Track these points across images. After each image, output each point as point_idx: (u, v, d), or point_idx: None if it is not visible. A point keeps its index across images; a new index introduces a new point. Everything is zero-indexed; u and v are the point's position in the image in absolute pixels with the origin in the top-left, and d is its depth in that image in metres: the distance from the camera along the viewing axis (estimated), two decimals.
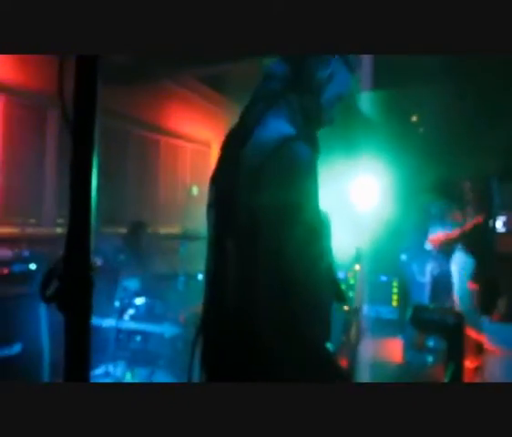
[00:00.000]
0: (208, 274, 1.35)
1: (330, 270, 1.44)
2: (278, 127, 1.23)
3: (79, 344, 0.81)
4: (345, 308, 1.48)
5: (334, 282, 1.45)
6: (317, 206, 1.20)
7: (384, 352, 5.25)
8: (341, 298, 1.50)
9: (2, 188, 4.45)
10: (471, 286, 4.52)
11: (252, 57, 1.33)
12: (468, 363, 2.90)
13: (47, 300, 0.80)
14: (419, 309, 2.12)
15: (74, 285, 0.79)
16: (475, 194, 4.59)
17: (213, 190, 1.37)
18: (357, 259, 2.01)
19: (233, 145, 1.34)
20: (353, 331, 1.56)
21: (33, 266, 3.77)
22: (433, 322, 2.09)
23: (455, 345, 2.11)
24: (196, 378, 1.34)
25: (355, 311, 1.67)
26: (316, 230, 1.19)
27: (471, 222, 4.56)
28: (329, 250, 1.38)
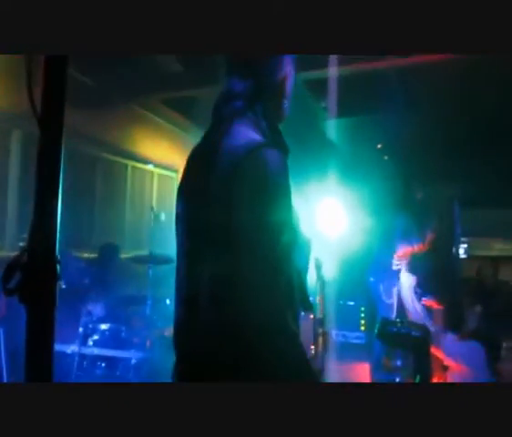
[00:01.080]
0: (180, 287, 1.33)
1: (299, 278, 1.45)
2: (246, 135, 1.24)
3: (42, 337, 0.78)
4: (311, 317, 1.49)
5: (302, 290, 1.46)
6: (289, 209, 1.21)
7: (351, 376, 5.25)
8: (307, 306, 1.51)
9: None
10: (433, 305, 4.62)
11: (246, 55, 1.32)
12: (435, 380, 2.95)
13: (9, 293, 0.77)
14: (386, 323, 2.14)
15: (37, 276, 0.77)
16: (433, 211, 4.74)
17: (182, 202, 1.36)
18: (318, 272, 2.03)
19: (201, 157, 1.34)
20: (321, 341, 1.57)
21: None
22: (399, 335, 2.12)
23: (422, 358, 2.14)
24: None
25: (321, 321, 1.68)
26: (291, 235, 1.20)
27: (429, 238, 4.69)
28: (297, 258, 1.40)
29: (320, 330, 1.61)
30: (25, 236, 0.80)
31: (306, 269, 1.46)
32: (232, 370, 1.15)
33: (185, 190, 1.38)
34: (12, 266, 0.78)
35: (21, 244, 0.81)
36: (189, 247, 1.30)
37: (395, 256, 4.67)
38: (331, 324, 6.15)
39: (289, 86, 1.41)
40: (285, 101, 1.41)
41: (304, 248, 1.44)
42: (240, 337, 1.12)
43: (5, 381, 3.55)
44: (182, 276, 1.32)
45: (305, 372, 1.17)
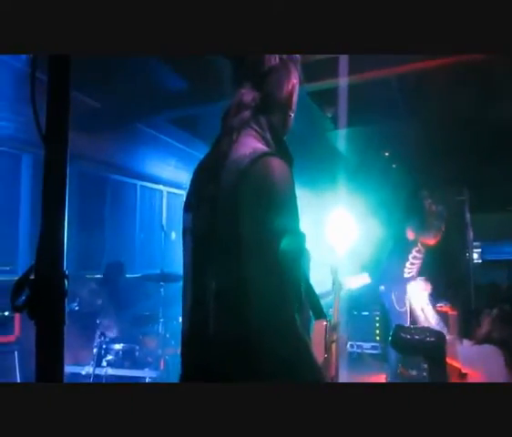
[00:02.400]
0: (187, 300, 1.33)
1: (308, 286, 1.45)
2: (250, 145, 1.25)
3: (51, 352, 0.78)
4: (324, 323, 1.48)
5: (313, 297, 1.46)
6: (296, 217, 1.21)
7: None
8: (319, 314, 1.50)
9: None
10: (448, 311, 4.57)
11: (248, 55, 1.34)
12: None
13: (17, 309, 0.78)
14: (400, 330, 2.12)
15: (45, 292, 0.78)
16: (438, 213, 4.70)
17: (189, 215, 1.37)
18: (335, 285, 2.02)
19: (207, 169, 1.35)
20: (334, 348, 1.55)
21: (7, 313, 3.67)
22: (413, 342, 2.09)
23: (437, 364, 2.10)
24: None
25: (334, 327, 1.66)
26: (298, 242, 1.20)
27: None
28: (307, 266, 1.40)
29: (334, 337, 1.60)
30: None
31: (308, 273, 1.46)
32: (241, 381, 1.15)
33: (192, 203, 1.38)
34: (20, 283, 0.79)
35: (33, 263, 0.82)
36: (196, 258, 1.30)
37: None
38: (346, 334, 6.11)
39: (295, 98, 1.43)
40: (291, 113, 1.43)
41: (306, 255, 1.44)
42: (249, 347, 1.12)
43: None
44: (189, 288, 1.32)
45: (317, 380, 1.16)
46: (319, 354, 1.42)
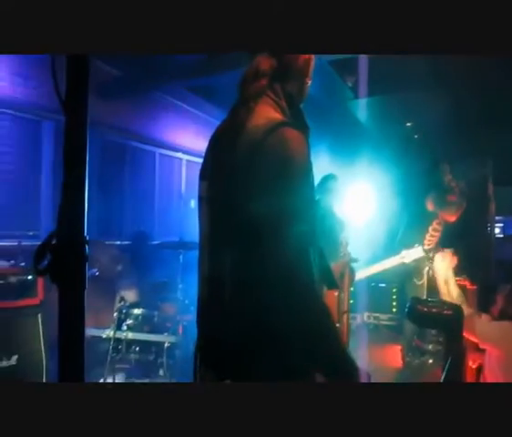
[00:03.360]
0: (202, 270, 1.34)
1: (321, 256, 1.45)
2: (266, 115, 1.24)
3: (73, 315, 0.81)
4: (335, 294, 1.49)
5: (325, 268, 1.45)
6: (311, 188, 1.20)
7: (384, 358, 5.23)
8: (331, 284, 1.50)
9: (0, 202, 4.47)
10: (467, 285, 4.52)
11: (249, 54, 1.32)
12: (470, 363, 2.88)
13: (40, 273, 0.80)
14: (417, 302, 2.11)
15: (66, 257, 0.80)
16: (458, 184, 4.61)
17: (205, 185, 1.36)
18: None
19: (222, 139, 1.35)
20: (345, 319, 1.57)
21: (30, 277, 3.76)
22: (430, 315, 2.08)
23: (454, 338, 2.10)
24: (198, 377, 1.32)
25: (344, 300, 1.67)
26: (311, 215, 1.19)
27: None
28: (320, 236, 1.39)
29: (344, 308, 1.60)
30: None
31: (334, 245, 1.46)
32: (252, 357, 1.16)
33: (208, 171, 1.37)
34: (42, 248, 0.81)
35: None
36: (211, 229, 1.30)
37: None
38: (361, 304, 6.12)
39: (312, 66, 1.40)
40: (307, 80, 1.40)
41: (334, 227, 1.44)
42: (264, 319, 1.12)
43: (44, 364, 3.69)
44: (205, 258, 1.32)
45: (335, 347, 1.17)
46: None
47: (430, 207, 4.59)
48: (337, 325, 1.48)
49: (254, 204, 1.14)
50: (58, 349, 0.83)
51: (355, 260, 2.01)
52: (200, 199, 1.37)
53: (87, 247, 0.82)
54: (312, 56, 1.40)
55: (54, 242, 0.81)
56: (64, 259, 0.80)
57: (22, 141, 4.77)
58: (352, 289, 2.05)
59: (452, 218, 4.59)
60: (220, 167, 1.30)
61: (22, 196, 4.69)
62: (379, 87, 5.48)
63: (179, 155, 7.07)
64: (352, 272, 1.93)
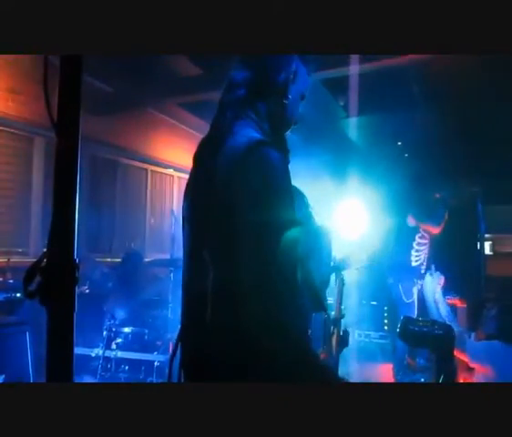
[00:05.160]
0: (185, 287, 1.33)
1: (308, 277, 1.44)
2: (246, 134, 1.24)
3: (62, 338, 0.80)
4: (324, 316, 1.48)
5: (312, 289, 1.45)
6: (291, 206, 1.20)
7: (375, 376, 5.21)
8: (319, 306, 1.49)
9: None
10: (457, 304, 4.55)
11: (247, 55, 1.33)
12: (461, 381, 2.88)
13: (29, 295, 0.79)
14: (408, 322, 2.11)
15: (56, 279, 0.79)
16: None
17: (187, 204, 1.36)
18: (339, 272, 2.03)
19: (203, 157, 1.34)
20: (334, 340, 1.56)
21: (18, 295, 3.72)
22: (421, 334, 2.09)
23: (445, 357, 2.10)
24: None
25: (336, 321, 1.66)
26: (290, 234, 1.18)
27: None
28: (307, 258, 1.39)
29: (333, 330, 1.60)
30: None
31: (325, 270, 1.45)
32: (237, 372, 1.14)
33: (189, 191, 1.37)
34: (32, 269, 0.80)
35: (45, 250, 0.82)
36: (192, 248, 1.30)
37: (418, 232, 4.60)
38: (353, 324, 6.10)
39: (296, 89, 1.39)
40: (291, 104, 1.38)
41: (323, 247, 1.43)
42: (244, 338, 1.11)
43: (32, 382, 3.62)
44: (186, 277, 1.32)
45: (313, 371, 1.16)
46: (317, 346, 1.42)
47: (411, 221, 4.64)
48: (324, 348, 1.47)
49: (233, 223, 1.14)
50: (47, 370, 0.82)
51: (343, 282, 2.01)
52: (183, 218, 1.37)
53: (77, 269, 0.81)
54: (295, 77, 1.38)
55: (44, 264, 0.80)
56: (54, 282, 0.79)
57: (12, 157, 4.75)
58: (343, 307, 2.05)
59: (435, 231, 4.63)
60: (200, 184, 1.31)
61: (11, 212, 4.65)
62: (370, 106, 5.53)
63: (171, 171, 7.07)
64: (342, 283, 1.93)
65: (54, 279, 0.79)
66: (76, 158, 0.83)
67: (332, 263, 2.05)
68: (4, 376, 3.45)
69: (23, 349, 3.65)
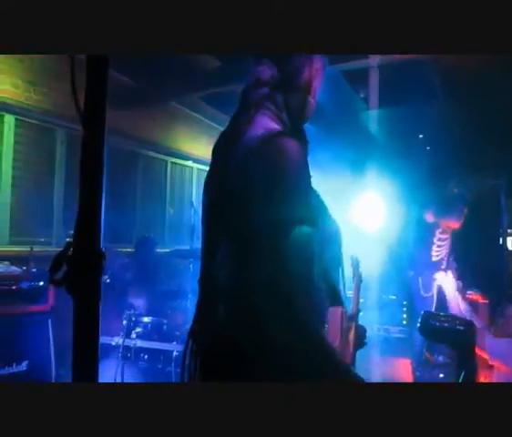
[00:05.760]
0: (201, 281, 1.34)
1: (325, 272, 1.43)
2: (264, 125, 1.23)
3: (88, 328, 0.81)
4: (340, 310, 1.47)
5: (329, 283, 1.44)
6: (308, 199, 1.19)
7: (393, 372, 5.17)
8: (335, 300, 1.48)
9: (13, 208, 4.52)
10: (478, 300, 4.48)
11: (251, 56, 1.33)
12: (482, 379, 2.84)
13: (56, 283, 0.81)
14: (429, 317, 2.09)
15: (82, 268, 0.80)
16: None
17: (206, 199, 1.36)
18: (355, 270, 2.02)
19: (222, 150, 1.34)
20: (351, 336, 1.55)
21: (41, 283, 3.79)
22: (442, 330, 2.06)
23: (466, 353, 2.08)
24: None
25: (353, 316, 1.65)
26: (308, 226, 1.17)
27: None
28: (323, 252, 1.38)
29: (350, 325, 1.59)
30: (71, 232, 0.83)
31: (337, 261, 1.44)
32: (252, 368, 1.14)
33: (208, 184, 1.37)
34: (59, 258, 0.81)
35: (67, 240, 0.84)
36: (210, 242, 1.30)
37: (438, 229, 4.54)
38: (371, 319, 6.07)
39: (316, 83, 1.38)
40: (310, 98, 1.38)
41: (334, 240, 1.42)
42: (259, 334, 1.11)
43: (53, 370, 3.71)
44: (203, 267, 1.32)
45: (329, 367, 1.14)
46: (334, 341, 1.41)
47: (429, 218, 4.57)
48: (340, 342, 1.46)
49: (249, 212, 1.13)
50: (73, 359, 0.83)
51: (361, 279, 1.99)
52: (202, 210, 1.37)
53: (103, 260, 0.82)
54: (318, 75, 1.39)
55: (70, 253, 0.81)
56: (80, 271, 0.80)
57: (35, 148, 4.83)
58: (361, 300, 2.03)
59: (455, 225, 4.55)
60: (218, 175, 1.31)
61: (34, 202, 4.73)
62: (391, 99, 5.47)
63: (190, 163, 7.11)
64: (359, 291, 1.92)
65: (80, 269, 0.80)
66: (101, 152, 0.84)
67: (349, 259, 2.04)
68: (27, 362, 3.54)
69: (45, 336, 3.73)
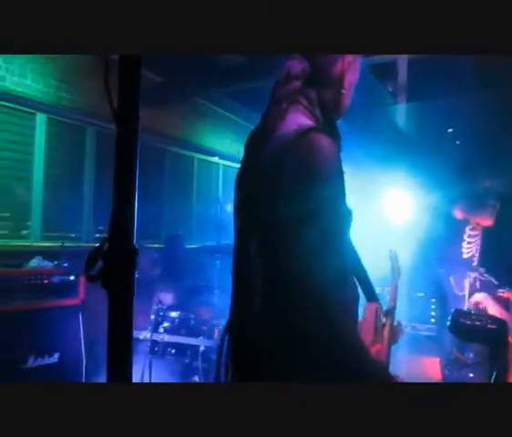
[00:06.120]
0: (235, 278, 1.33)
1: (358, 268, 1.42)
2: (297, 121, 1.22)
3: (122, 324, 0.83)
4: (375, 307, 1.46)
5: (364, 280, 1.43)
6: (342, 195, 1.17)
7: (422, 370, 5.10)
8: (370, 295, 1.47)
9: (44, 204, 4.64)
10: (511, 297, 4.36)
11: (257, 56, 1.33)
12: None
13: (92, 279, 0.82)
14: (460, 315, 2.05)
15: (117, 264, 0.82)
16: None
17: (238, 195, 1.35)
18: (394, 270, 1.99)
19: (255, 146, 1.33)
20: (386, 333, 1.53)
21: (72, 278, 3.88)
22: (474, 328, 2.01)
23: (498, 352, 2.03)
24: (223, 379, 1.32)
25: (388, 312, 1.63)
26: (340, 222, 1.16)
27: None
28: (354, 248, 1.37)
29: (384, 321, 1.56)
30: (101, 227, 0.84)
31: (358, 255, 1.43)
32: (286, 365, 1.14)
33: (240, 181, 1.36)
34: (94, 254, 0.83)
35: (97, 235, 0.85)
36: (243, 238, 1.29)
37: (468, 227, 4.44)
38: (399, 316, 6.00)
39: (348, 78, 1.36)
40: (343, 92, 1.36)
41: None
42: (293, 331, 1.10)
43: (83, 362, 3.79)
44: (236, 262, 1.32)
45: (363, 366, 1.13)
46: (367, 338, 1.40)
47: (459, 214, 4.46)
48: (374, 340, 1.44)
49: (282, 208, 1.12)
50: (108, 353, 0.85)
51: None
52: (234, 209, 1.36)
53: (136, 256, 0.84)
54: (351, 67, 1.36)
55: (105, 249, 0.83)
56: (115, 267, 0.82)
57: (66, 146, 4.94)
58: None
59: (487, 222, 4.43)
60: (250, 171, 1.30)
61: (65, 199, 4.84)
62: (420, 92, 5.37)
63: (216, 159, 7.15)
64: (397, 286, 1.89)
65: (115, 265, 0.82)
66: (135, 150, 0.86)
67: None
68: (58, 354, 3.63)
69: (76, 330, 3.82)
